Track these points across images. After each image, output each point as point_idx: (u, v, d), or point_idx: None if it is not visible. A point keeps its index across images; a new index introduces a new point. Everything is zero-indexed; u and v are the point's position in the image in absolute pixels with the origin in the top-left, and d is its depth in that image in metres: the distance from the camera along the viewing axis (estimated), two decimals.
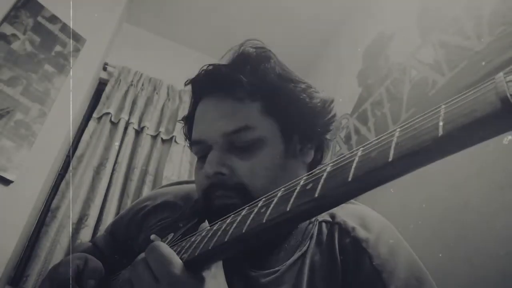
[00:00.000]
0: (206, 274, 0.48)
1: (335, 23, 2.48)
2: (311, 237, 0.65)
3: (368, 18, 2.24)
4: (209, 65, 0.71)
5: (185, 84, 0.73)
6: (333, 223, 0.65)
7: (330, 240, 0.63)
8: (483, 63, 1.30)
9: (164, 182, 2.22)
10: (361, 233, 0.62)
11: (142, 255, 0.50)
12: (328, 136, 0.72)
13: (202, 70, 0.71)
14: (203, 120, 0.68)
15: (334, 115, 0.71)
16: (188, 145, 0.75)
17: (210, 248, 0.44)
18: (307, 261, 0.61)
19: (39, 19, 2.01)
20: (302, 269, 0.61)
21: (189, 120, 0.76)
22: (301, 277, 0.60)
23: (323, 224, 0.66)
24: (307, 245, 0.64)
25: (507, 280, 0.97)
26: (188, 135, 0.77)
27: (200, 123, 0.69)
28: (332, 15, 2.44)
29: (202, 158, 0.68)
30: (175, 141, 2.41)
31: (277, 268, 0.61)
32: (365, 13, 2.28)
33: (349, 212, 0.66)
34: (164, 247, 0.48)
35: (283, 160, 0.65)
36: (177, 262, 0.47)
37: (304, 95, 0.68)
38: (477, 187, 1.16)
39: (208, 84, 0.69)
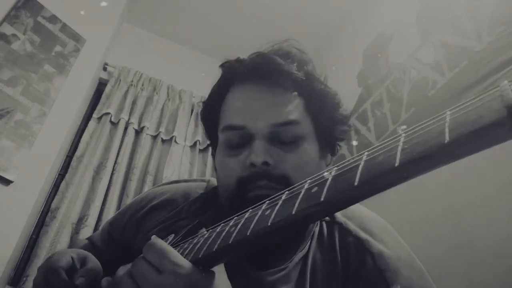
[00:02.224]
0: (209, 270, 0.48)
1: (335, 23, 2.47)
2: (312, 237, 0.65)
3: (368, 18, 2.24)
4: (258, 52, 0.70)
5: (222, 66, 0.71)
6: (333, 223, 0.66)
7: (330, 239, 0.64)
8: (483, 63, 1.30)
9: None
10: (362, 233, 0.63)
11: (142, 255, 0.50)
12: (340, 145, 0.74)
13: (251, 56, 0.70)
14: (246, 106, 0.66)
15: (349, 128, 0.73)
16: (210, 129, 0.73)
17: (214, 250, 0.44)
18: (309, 261, 0.62)
19: (39, 19, 2.00)
20: (305, 268, 0.61)
21: (214, 104, 0.72)
22: (304, 275, 0.61)
23: (324, 224, 0.67)
24: (308, 244, 0.64)
25: (507, 280, 0.98)
26: (211, 118, 0.73)
27: (241, 109, 0.66)
28: (332, 15, 2.44)
29: (234, 145, 0.65)
30: (175, 141, 2.41)
31: (283, 266, 0.62)
32: (365, 13, 2.28)
33: (348, 213, 0.67)
34: (161, 242, 0.48)
35: (318, 159, 0.67)
36: (175, 252, 0.47)
37: (335, 101, 0.70)
38: (477, 187, 1.16)
39: (254, 71, 0.67)
